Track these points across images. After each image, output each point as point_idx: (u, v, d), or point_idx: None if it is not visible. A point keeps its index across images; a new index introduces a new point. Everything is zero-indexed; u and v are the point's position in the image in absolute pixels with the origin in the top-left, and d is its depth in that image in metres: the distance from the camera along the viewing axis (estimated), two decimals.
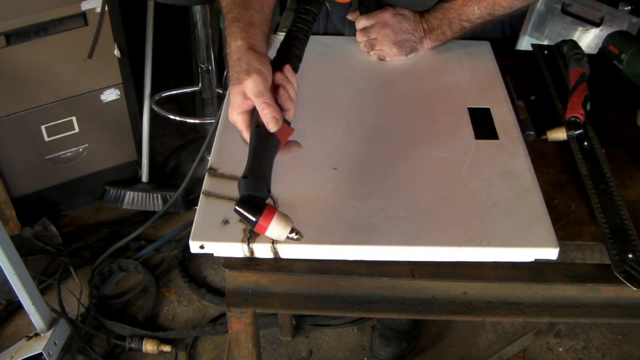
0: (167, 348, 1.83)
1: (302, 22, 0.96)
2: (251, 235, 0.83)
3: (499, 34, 1.31)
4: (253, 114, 0.86)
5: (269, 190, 0.81)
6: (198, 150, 2.23)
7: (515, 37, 1.47)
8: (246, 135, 0.87)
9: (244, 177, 0.79)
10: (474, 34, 1.23)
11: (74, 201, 2.31)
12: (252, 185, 0.79)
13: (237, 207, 0.77)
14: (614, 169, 0.98)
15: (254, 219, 0.77)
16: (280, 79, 0.88)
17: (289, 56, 0.91)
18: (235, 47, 0.89)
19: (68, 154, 2.16)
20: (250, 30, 0.91)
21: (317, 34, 1.33)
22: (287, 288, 0.92)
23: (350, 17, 1.25)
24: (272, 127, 0.84)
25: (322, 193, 0.90)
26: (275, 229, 0.78)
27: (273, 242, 0.83)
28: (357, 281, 0.90)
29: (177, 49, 2.63)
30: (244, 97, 0.85)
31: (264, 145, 0.84)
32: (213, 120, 2.28)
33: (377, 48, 1.20)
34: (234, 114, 0.87)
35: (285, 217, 0.79)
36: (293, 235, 0.80)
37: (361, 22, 1.21)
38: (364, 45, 1.22)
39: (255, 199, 0.78)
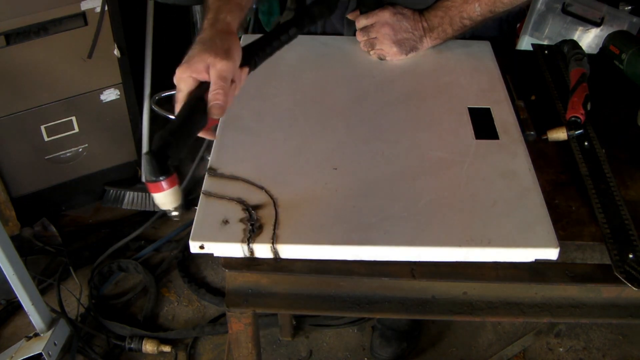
0: (167, 348, 1.83)
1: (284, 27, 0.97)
2: (251, 235, 0.83)
3: (497, 32, 1.31)
4: (200, 85, 0.85)
5: (179, 160, 0.80)
6: (198, 150, 2.23)
7: (512, 35, 1.47)
8: (181, 97, 0.86)
9: (170, 134, 0.79)
10: (472, 32, 1.23)
11: (74, 201, 2.31)
12: (173, 145, 0.78)
13: (149, 156, 0.76)
14: (615, 169, 0.98)
15: (157, 177, 0.77)
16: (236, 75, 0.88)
17: (255, 60, 0.92)
18: (221, 19, 0.90)
19: (68, 154, 2.15)
20: (235, 12, 0.92)
21: (316, 33, 1.32)
22: (287, 288, 0.92)
23: (350, 16, 1.25)
24: (216, 113, 0.84)
25: (322, 193, 0.90)
26: (168, 197, 0.78)
27: (273, 242, 0.83)
28: (357, 281, 0.90)
29: (177, 49, 2.63)
30: (206, 68, 0.85)
31: (195, 119, 0.83)
32: None
33: (377, 47, 1.20)
34: (187, 73, 0.85)
35: (179, 193, 0.79)
36: (175, 212, 0.80)
37: (361, 22, 1.21)
38: (364, 44, 1.21)
39: (168, 160, 0.78)
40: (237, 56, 0.87)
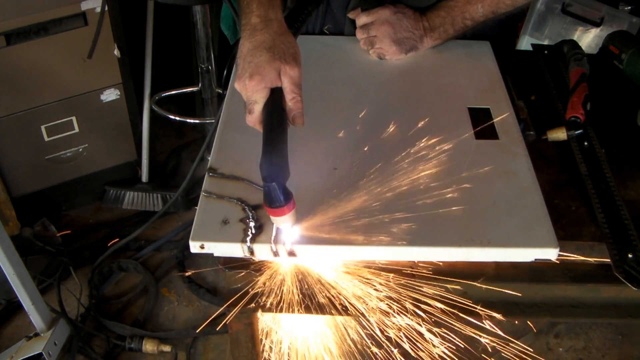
0: (167, 348, 1.83)
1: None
2: (251, 235, 0.83)
3: (496, 30, 1.31)
4: (273, 93, 0.88)
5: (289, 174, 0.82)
6: (198, 150, 2.23)
7: (512, 34, 1.47)
8: (258, 109, 0.88)
9: (276, 155, 0.80)
10: (471, 31, 1.23)
11: (74, 201, 2.31)
12: (283, 164, 0.80)
13: (270, 186, 0.77)
14: (614, 169, 0.98)
15: (285, 201, 0.78)
16: None
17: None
18: (273, 17, 0.92)
19: (68, 154, 2.16)
20: (281, 6, 0.95)
21: (314, 33, 1.32)
22: (287, 288, 0.91)
23: (351, 15, 1.25)
24: (299, 122, 0.87)
25: (322, 193, 0.90)
26: (292, 216, 0.81)
27: (273, 241, 0.83)
28: (357, 281, 0.90)
29: (177, 49, 2.63)
30: (278, 75, 0.87)
31: (285, 130, 0.86)
32: (213, 120, 2.28)
33: (377, 46, 1.20)
34: (262, 84, 0.87)
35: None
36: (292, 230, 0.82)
37: (361, 19, 1.21)
38: (364, 42, 1.21)
39: (286, 181, 0.79)
40: (301, 58, 0.90)
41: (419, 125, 1.05)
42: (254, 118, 0.89)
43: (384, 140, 1.01)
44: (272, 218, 0.81)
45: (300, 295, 0.89)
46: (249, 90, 0.88)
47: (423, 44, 1.21)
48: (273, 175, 0.77)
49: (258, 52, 0.89)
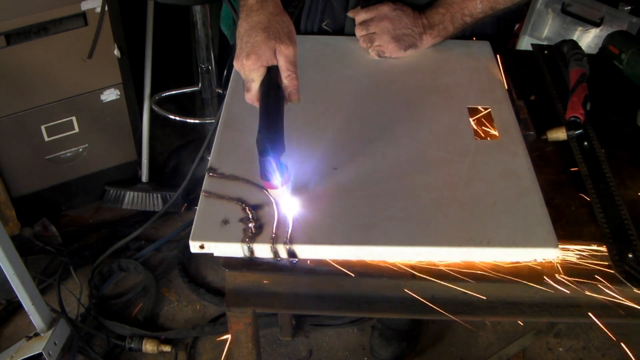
0: (167, 348, 1.83)
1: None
2: (251, 235, 0.83)
3: (494, 29, 1.31)
4: (270, 71, 0.91)
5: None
6: (198, 150, 2.24)
7: (510, 33, 1.47)
8: (255, 86, 0.92)
9: (273, 131, 0.83)
10: (470, 30, 1.23)
11: (74, 201, 2.31)
12: (279, 140, 0.83)
13: (266, 160, 0.81)
14: (614, 169, 0.98)
15: (280, 175, 0.82)
16: None
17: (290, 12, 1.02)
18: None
19: (68, 154, 2.16)
20: None
21: (312, 29, 1.32)
22: (287, 288, 0.92)
23: (350, 14, 1.25)
24: (295, 98, 0.90)
25: (322, 193, 0.90)
26: (287, 189, 0.85)
27: (273, 242, 0.83)
28: (357, 281, 0.90)
29: (177, 49, 2.63)
30: (273, 54, 0.90)
31: (282, 106, 0.89)
32: (213, 120, 2.28)
33: (376, 43, 1.19)
34: (258, 63, 0.90)
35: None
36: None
37: (361, 15, 1.21)
38: (363, 40, 1.21)
39: (281, 155, 0.83)
40: (296, 37, 0.93)
41: (419, 125, 1.05)
42: (252, 95, 0.93)
43: (384, 140, 1.01)
44: (270, 191, 0.85)
45: None
46: (246, 69, 0.91)
47: (422, 41, 1.21)
48: (269, 149, 0.81)
49: (254, 33, 0.92)
